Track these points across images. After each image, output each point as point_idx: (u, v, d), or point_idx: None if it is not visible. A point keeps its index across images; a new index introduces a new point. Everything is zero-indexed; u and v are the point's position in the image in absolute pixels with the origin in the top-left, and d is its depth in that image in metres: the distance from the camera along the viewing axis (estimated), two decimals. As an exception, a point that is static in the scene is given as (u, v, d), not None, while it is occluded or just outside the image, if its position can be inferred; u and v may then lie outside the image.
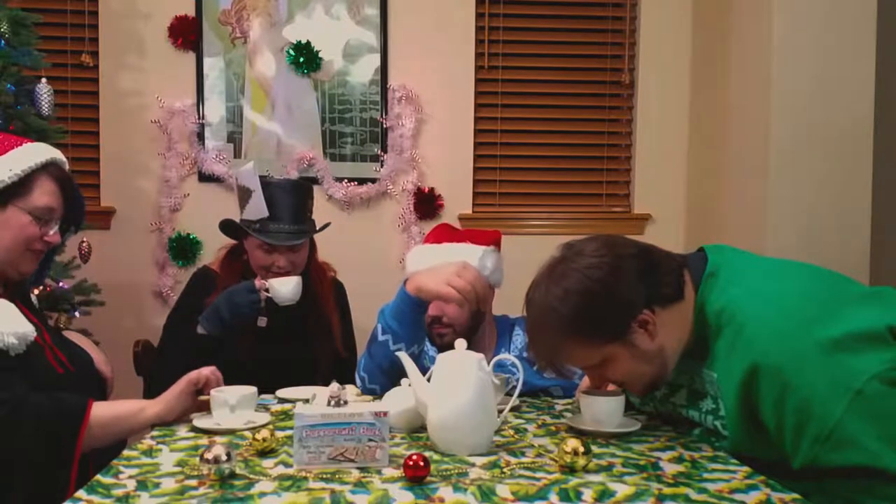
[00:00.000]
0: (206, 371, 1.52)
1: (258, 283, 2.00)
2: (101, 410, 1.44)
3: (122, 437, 1.49)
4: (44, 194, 1.54)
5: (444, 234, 2.01)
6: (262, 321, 2.06)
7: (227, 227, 2.16)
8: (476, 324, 1.95)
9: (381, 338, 1.71)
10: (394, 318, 1.70)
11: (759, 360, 1.21)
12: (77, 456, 1.38)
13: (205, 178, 3.10)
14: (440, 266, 1.73)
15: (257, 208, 2.05)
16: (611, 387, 1.54)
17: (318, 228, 2.18)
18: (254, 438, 1.28)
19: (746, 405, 1.25)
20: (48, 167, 1.56)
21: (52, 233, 1.57)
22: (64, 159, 1.63)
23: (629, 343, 1.31)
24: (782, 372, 1.18)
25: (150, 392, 2.01)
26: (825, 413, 1.14)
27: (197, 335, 1.97)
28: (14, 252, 1.52)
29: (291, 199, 2.10)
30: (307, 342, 2.14)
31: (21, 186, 1.51)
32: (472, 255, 1.87)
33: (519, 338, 2.00)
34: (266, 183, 2.09)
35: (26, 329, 1.44)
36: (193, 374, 1.50)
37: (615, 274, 1.29)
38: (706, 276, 1.35)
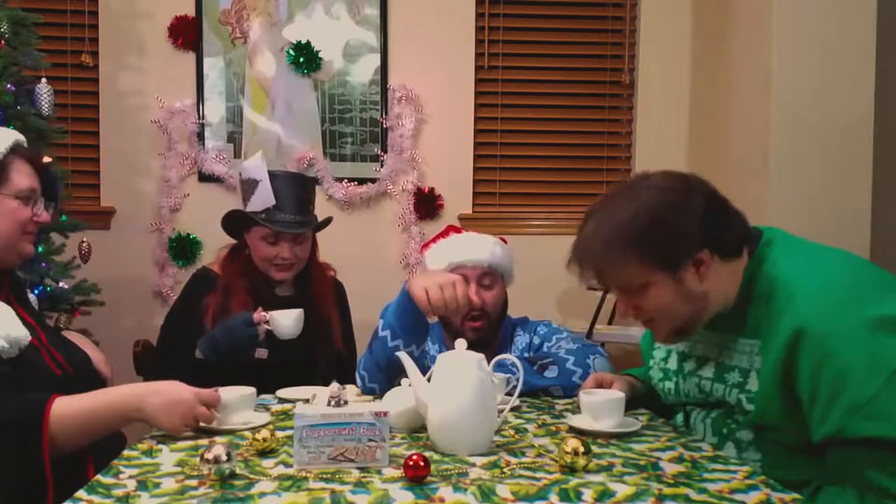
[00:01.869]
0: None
1: (257, 316, 1.92)
2: (66, 404, 1.32)
3: (102, 435, 1.39)
4: (22, 176, 1.54)
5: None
6: (262, 353, 2.00)
7: (230, 219, 2.14)
8: (504, 314, 1.98)
9: (381, 334, 1.72)
10: (394, 316, 1.71)
11: (807, 324, 1.22)
12: (46, 454, 1.27)
13: (205, 178, 3.10)
14: (438, 273, 1.79)
15: (265, 197, 2.04)
16: (614, 386, 1.55)
17: (321, 221, 2.17)
18: (254, 438, 1.28)
19: (784, 369, 1.25)
20: (17, 149, 1.55)
21: (39, 212, 1.57)
22: (22, 137, 1.61)
23: (678, 278, 1.32)
24: (827, 340, 1.20)
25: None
26: (861, 386, 1.17)
27: (195, 359, 1.96)
28: (12, 237, 1.53)
29: (296, 190, 2.10)
30: (307, 342, 2.13)
31: None
32: (482, 244, 1.94)
33: (520, 339, 1.99)
34: (271, 175, 2.08)
35: (20, 333, 1.41)
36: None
37: (687, 204, 1.31)
38: (763, 243, 1.38)
